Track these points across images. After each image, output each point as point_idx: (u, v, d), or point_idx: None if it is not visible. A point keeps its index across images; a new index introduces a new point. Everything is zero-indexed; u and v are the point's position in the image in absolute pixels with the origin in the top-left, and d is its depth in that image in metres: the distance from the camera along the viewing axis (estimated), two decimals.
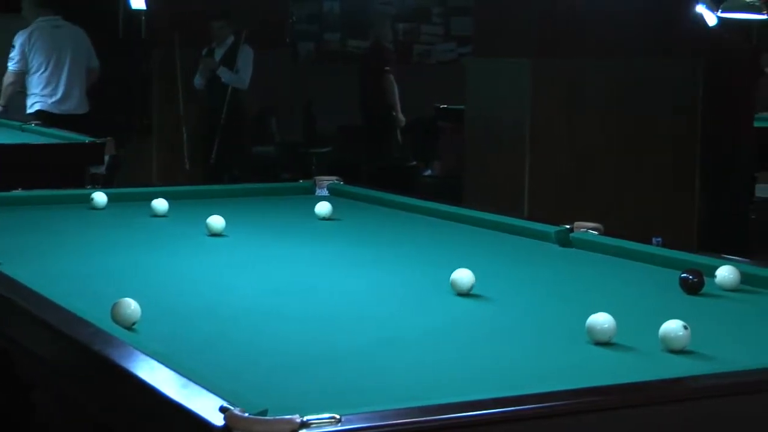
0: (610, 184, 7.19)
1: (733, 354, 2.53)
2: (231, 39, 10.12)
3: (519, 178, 7.14)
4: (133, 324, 2.68)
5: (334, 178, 5.08)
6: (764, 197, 10.12)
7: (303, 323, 2.87)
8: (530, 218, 4.37)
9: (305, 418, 1.94)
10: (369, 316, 2.97)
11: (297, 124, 13.14)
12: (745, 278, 3.20)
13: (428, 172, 11.19)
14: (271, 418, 1.97)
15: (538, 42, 7.18)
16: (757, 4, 9.94)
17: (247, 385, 2.24)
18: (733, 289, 3.18)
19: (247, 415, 1.97)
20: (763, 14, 10.60)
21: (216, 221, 4.03)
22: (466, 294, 3.12)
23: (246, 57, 10.03)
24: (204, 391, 2.11)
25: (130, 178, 9.68)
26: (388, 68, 11.48)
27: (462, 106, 8.19)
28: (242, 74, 10.00)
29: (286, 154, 11.67)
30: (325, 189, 4.98)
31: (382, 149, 11.52)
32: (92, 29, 9.58)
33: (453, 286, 3.13)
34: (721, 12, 9.14)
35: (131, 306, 2.70)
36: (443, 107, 12.32)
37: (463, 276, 3.14)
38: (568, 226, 3.87)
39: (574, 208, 6.49)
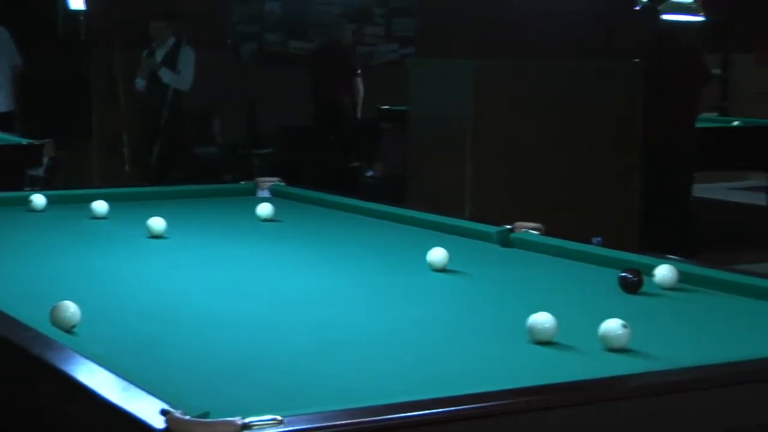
0: (552, 184, 7.23)
1: (672, 352, 2.56)
2: (172, 40, 10.06)
3: (461, 178, 7.17)
4: (73, 327, 2.66)
5: (275, 179, 5.07)
6: (702, 197, 10.24)
7: (244, 325, 2.86)
8: (471, 219, 4.38)
9: (247, 420, 1.94)
10: (311, 317, 2.96)
11: (239, 125, 13.10)
12: (683, 277, 3.23)
13: (370, 173, 11.19)
14: (213, 420, 1.97)
15: (480, 43, 7.21)
16: (694, 6, 10.05)
17: (189, 388, 2.23)
18: (672, 288, 3.21)
19: (188, 417, 1.96)
20: (701, 16, 10.72)
21: (156, 223, 4.01)
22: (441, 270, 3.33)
23: (187, 58, 9.98)
24: (144, 394, 2.09)
25: (70, 179, 9.60)
26: (359, 71, 11.62)
27: (405, 107, 8.21)
28: (183, 75, 9.95)
29: (228, 155, 11.63)
30: (267, 190, 4.97)
31: (335, 150, 11.53)
32: (31, 30, 9.50)
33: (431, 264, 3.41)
34: (660, 14, 9.25)
35: (70, 309, 2.68)
36: (386, 108, 12.33)
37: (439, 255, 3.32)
38: (509, 227, 3.89)
39: (515, 208, 6.52)
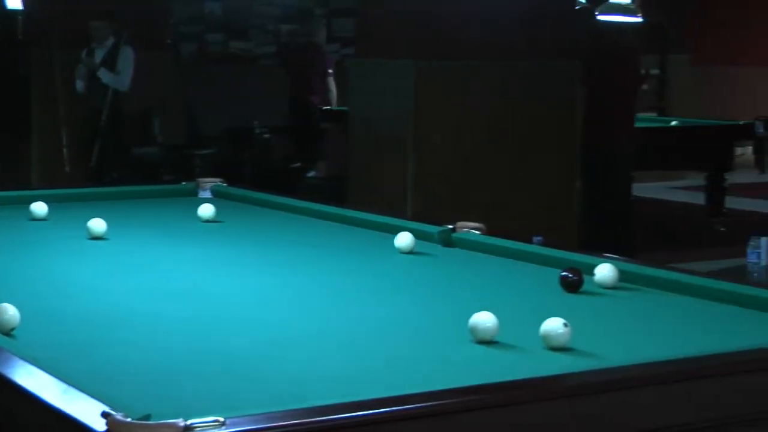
0: (493, 184, 7.26)
1: (612, 350, 2.58)
2: (111, 40, 9.98)
3: (402, 178, 7.18)
4: (12, 330, 2.64)
5: (217, 179, 5.05)
6: (641, 196, 10.33)
7: (186, 326, 2.85)
8: (414, 218, 4.39)
9: (189, 422, 1.93)
10: (253, 318, 2.95)
11: (179, 125, 13.02)
12: (623, 276, 3.26)
13: (312, 174, 11.18)
14: (155, 422, 1.96)
15: (420, 43, 7.22)
16: (632, 6, 10.14)
17: (130, 390, 2.22)
18: (612, 287, 3.24)
19: (129, 420, 1.95)
20: (639, 17, 10.82)
21: (97, 224, 3.98)
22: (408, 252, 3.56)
23: (126, 58, 9.91)
24: (85, 397, 2.08)
25: (8, 180, 9.49)
26: (330, 71, 11.70)
27: (346, 107, 8.20)
28: (122, 75, 9.88)
29: (169, 155, 11.55)
30: (209, 191, 4.95)
31: (307, 148, 11.57)
32: None
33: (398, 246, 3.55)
34: (598, 14, 9.33)
35: (9, 311, 2.66)
36: (327, 108, 12.33)
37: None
38: (451, 226, 3.91)
39: (456, 208, 6.54)
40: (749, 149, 15.79)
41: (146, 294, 3.22)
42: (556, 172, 7.48)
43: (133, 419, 1.95)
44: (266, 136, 12.86)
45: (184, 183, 5.13)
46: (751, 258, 6.54)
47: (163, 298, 3.17)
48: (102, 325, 2.84)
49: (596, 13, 9.24)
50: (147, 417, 1.98)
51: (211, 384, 2.33)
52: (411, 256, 3.78)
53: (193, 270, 3.59)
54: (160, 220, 4.52)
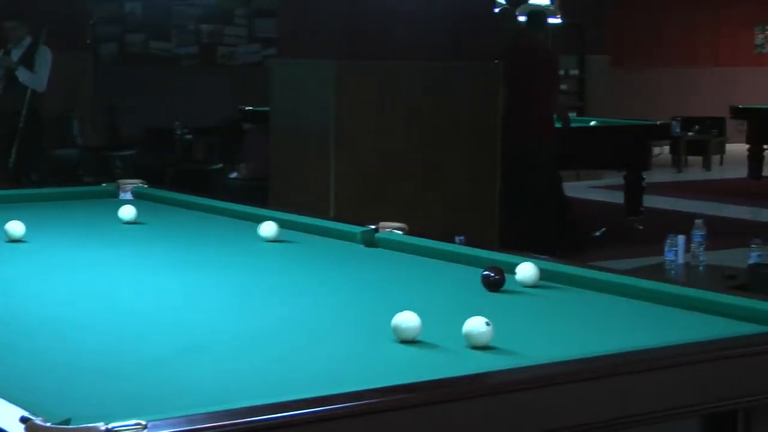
0: (415, 185, 7.29)
1: (534, 348, 2.60)
2: (28, 40, 9.86)
3: (325, 179, 7.18)
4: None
5: (138, 181, 5.01)
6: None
7: (107, 329, 2.81)
8: (336, 219, 4.39)
9: (110, 426, 1.91)
10: (175, 319, 2.93)
11: (99, 126, 12.91)
12: (544, 275, 3.29)
13: (234, 175, 11.13)
14: (75, 427, 1.94)
15: (342, 44, 7.23)
16: (551, 8, 10.23)
17: (49, 394, 2.19)
18: (533, 285, 3.26)
19: (49, 424, 1.93)
20: (558, 18, 10.92)
21: (14, 227, 3.92)
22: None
23: (43, 58, 9.79)
24: (3, 401, 2.05)
25: None
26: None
27: (267, 108, 8.18)
28: (40, 75, 9.76)
29: (89, 157, 11.45)
30: (129, 192, 4.91)
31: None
32: None
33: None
34: (518, 15, 9.41)
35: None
36: (249, 109, 12.28)
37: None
38: (373, 227, 3.91)
39: (379, 208, 6.56)
40: (666, 149, 16.08)
41: (66, 297, 3.18)
42: (478, 172, 7.53)
43: (52, 424, 1.93)
44: (188, 137, 12.80)
45: (104, 185, 5.08)
46: (669, 256, 6.63)
47: (82, 300, 3.14)
48: (20, 329, 2.80)
49: (517, 14, 9.33)
50: (67, 421, 1.96)
51: (133, 387, 2.31)
52: (333, 256, 3.78)
53: (114, 272, 3.55)
54: (81, 222, 4.47)
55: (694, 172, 15.89)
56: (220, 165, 10.80)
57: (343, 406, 2.07)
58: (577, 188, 12.43)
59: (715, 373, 2.46)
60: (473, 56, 7.52)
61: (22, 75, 9.71)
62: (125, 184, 4.97)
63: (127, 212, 4.33)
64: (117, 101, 13.32)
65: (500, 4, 10.18)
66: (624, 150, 10.43)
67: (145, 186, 4.97)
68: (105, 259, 3.75)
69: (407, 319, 2.63)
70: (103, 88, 13.15)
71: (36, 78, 9.75)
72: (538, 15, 8.75)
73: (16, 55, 9.83)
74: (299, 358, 2.57)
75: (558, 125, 8.96)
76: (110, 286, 3.35)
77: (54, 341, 2.69)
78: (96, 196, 4.96)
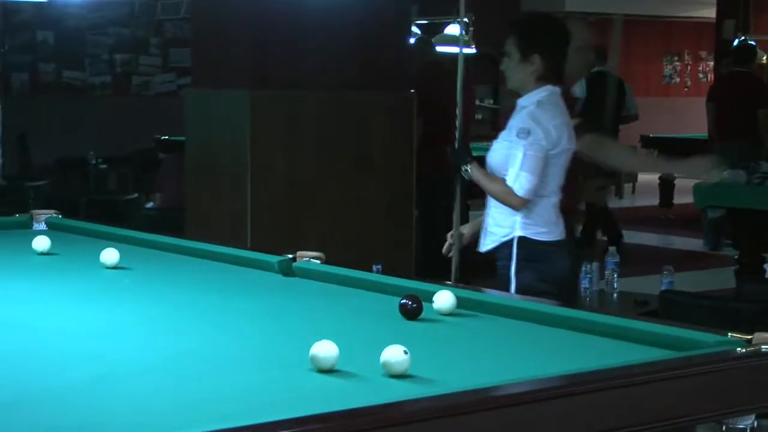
0: (330, 214, 7.29)
1: (450, 376, 2.62)
2: None
3: (241, 209, 7.15)
4: None
5: (52, 211, 4.96)
6: None
7: (16, 360, 2.78)
8: (253, 249, 4.39)
9: None
10: (86, 352, 2.90)
11: (11, 156, 12.74)
12: (461, 302, 3.32)
13: (150, 204, 11.05)
14: None
15: (255, 73, 7.22)
16: (466, 38, 10.33)
17: None
18: (450, 313, 3.29)
19: None
20: (472, 48, 11.01)
21: None
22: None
23: None
24: None
25: None
26: None
27: (183, 137, 8.14)
28: None
29: (0, 187, 11.28)
30: (43, 223, 4.86)
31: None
32: None
33: None
34: (434, 45, 9.50)
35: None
36: (164, 138, 12.22)
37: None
38: (290, 256, 3.91)
39: (296, 237, 6.55)
40: None
41: None
42: (394, 201, 7.56)
43: None
44: (102, 166, 12.68)
45: (18, 215, 5.01)
46: (583, 283, 6.71)
47: None
48: None
49: (433, 44, 9.41)
50: None
51: (40, 419, 2.28)
52: (250, 286, 3.78)
53: (27, 303, 3.51)
54: None
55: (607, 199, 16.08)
56: (135, 195, 10.71)
57: None
58: None
59: (630, 399, 2.50)
60: (387, 86, 7.54)
61: None
62: (39, 214, 4.91)
63: (41, 243, 4.28)
64: (29, 131, 13.16)
65: (416, 35, 10.26)
66: None
67: (59, 216, 4.92)
68: (18, 291, 3.70)
69: (325, 349, 2.63)
70: (14, 118, 12.99)
71: None
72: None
73: None
74: (213, 387, 2.55)
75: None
76: (21, 317, 3.30)
77: None
78: (9, 227, 4.89)
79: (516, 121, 4.66)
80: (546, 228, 4.63)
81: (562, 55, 4.72)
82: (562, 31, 4.80)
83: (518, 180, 4.54)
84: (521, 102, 4.72)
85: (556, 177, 4.65)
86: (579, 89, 11.69)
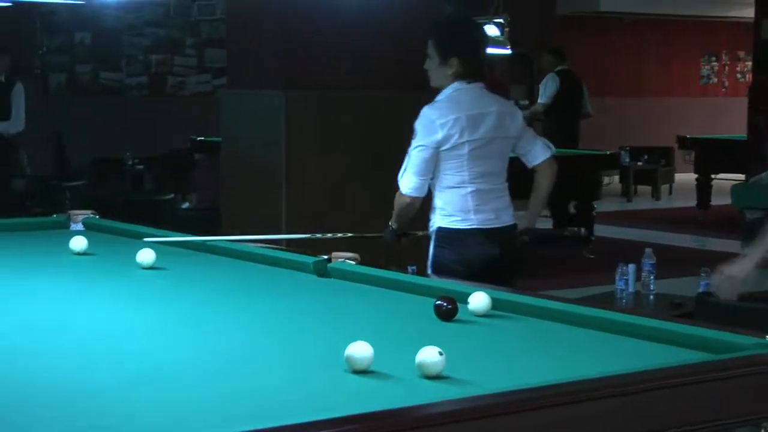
0: (364, 214, 7.29)
1: (486, 377, 2.61)
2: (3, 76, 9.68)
3: (276, 208, 7.17)
4: None
5: (88, 212, 4.98)
6: None
7: (55, 360, 2.79)
8: (288, 249, 4.40)
9: None
10: (122, 351, 2.91)
11: (48, 156, 12.82)
12: (496, 304, 3.31)
13: (186, 205, 11.11)
14: None
15: (290, 74, 7.23)
16: (501, 39, 10.31)
17: None
18: (485, 315, 3.28)
19: None
20: (508, 48, 11.00)
21: None
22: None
23: (19, 97, 9.60)
24: None
25: None
26: None
27: (218, 138, 8.17)
28: (18, 117, 9.56)
29: (37, 187, 11.35)
30: (80, 223, 4.89)
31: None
32: None
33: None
34: None
35: None
36: (200, 139, 12.26)
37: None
38: (326, 257, 3.92)
39: (331, 239, 6.55)
40: (616, 178, 16.23)
41: (13, 327, 3.16)
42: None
43: None
44: (138, 167, 12.75)
45: (55, 215, 5.05)
46: (620, 285, 6.68)
47: (30, 331, 3.11)
48: None
49: None
50: None
51: (80, 419, 2.30)
52: (286, 287, 3.78)
53: (64, 303, 3.53)
54: (31, 253, 4.44)
55: (644, 201, 16.03)
56: (171, 195, 10.76)
57: None
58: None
59: (665, 401, 2.48)
60: (420, 86, 7.55)
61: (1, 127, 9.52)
62: (76, 215, 4.94)
63: (78, 243, 4.31)
64: (66, 131, 13.25)
65: None
66: (574, 180, 10.50)
67: (96, 217, 4.94)
68: (55, 291, 3.73)
69: (360, 349, 2.63)
70: (52, 118, 13.08)
71: (14, 123, 9.59)
72: None
73: None
74: (248, 387, 2.56)
75: None
76: (59, 317, 3.33)
77: (2, 373, 2.66)
78: (47, 227, 4.93)
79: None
80: (460, 216, 4.82)
81: (481, 55, 4.94)
82: (479, 32, 5.08)
83: (403, 179, 4.86)
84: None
85: (464, 168, 4.81)
86: (551, 83, 11.79)
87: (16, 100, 9.62)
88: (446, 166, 4.79)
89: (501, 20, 10.63)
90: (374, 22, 7.40)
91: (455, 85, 4.83)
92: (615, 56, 19.36)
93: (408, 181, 4.81)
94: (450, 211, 4.83)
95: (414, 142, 4.79)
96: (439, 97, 4.86)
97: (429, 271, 4.78)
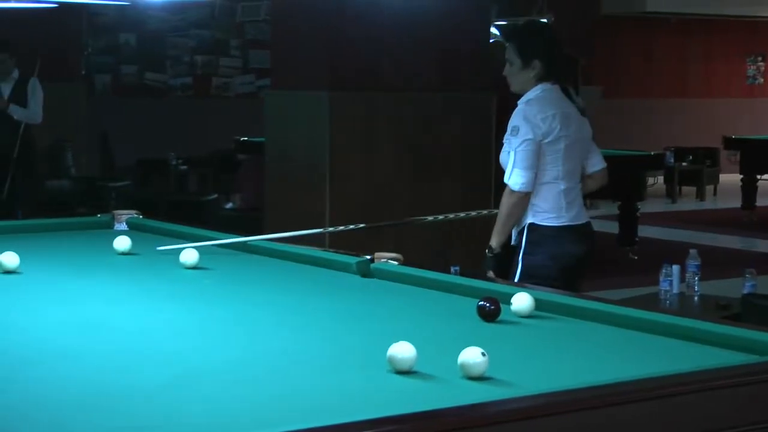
0: (409, 215, 7.28)
1: (529, 378, 2.60)
2: (16, 72, 9.83)
3: (320, 209, 7.18)
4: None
5: (132, 212, 5.01)
6: None
7: (100, 360, 2.81)
8: (331, 250, 4.40)
9: None
10: (167, 351, 2.93)
11: (93, 157, 12.91)
12: (539, 305, 3.30)
13: (230, 205, 11.14)
14: None
15: (335, 74, 7.24)
16: None
17: (41, 427, 2.19)
18: (528, 316, 3.27)
19: None
20: None
21: (8, 259, 3.91)
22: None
23: (36, 90, 9.77)
24: None
25: None
26: None
27: (262, 139, 8.20)
28: (34, 109, 9.74)
29: (82, 187, 11.44)
30: (124, 223, 4.91)
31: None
32: None
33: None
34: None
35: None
36: (244, 140, 12.30)
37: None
38: (369, 257, 3.92)
39: (373, 238, 6.56)
40: (660, 179, 16.13)
41: (59, 328, 3.18)
42: (471, 202, 7.53)
43: None
44: (182, 167, 12.81)
45: (99, 215, 5.08)
46: (664, 286, 6.63)
47: (76, 332, 3.13)
48: (15, 362, 2.80)
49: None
50: None
51: (123, 419, 2.31)
52: (329, 287, 3.79)
53: (109, 303, 3.55)
54: (76, 253, 4.47)
55: (688, 202, 15.92)
56: (215, 196, 10.81)
57: None
58: None
59: (708, 404, 2.46)
60: (466, 88, 7.54)
61: (17, 113, 9.68)
62: (120, 214, 4.97)
63: (122, 243, 4.33)
64: (111, 132, 13.34)
65: (494, 36, 10.22)
66: (618, 180, 10.43)
67: (140, 217, 4.97)
68: (100, 291, 3.75)
69: (403, 350, 2.63)
70: (97, 119, 13.17)
71: (30, 113, 9.74)
72: None
73: (5, 89, 9.78)
74: (291, 387, 2.56)
75: None
76: (104, 317, 3.34)
77: (49, 374, 2.68)
78: (91, 227, 4.96)
79: (510, 121, 4.91)
80: (553, 213, 4.84)
81: (558, 56, 5.00)
82: (552, 34, 5.15)
83: (512, 177, 4.80)
84: (519, 103, 4.94)
85: (558, 164, 4.83)
86: None
87: (32, 94, 9.72)
88: (544, 160, 4.83)
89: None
90: (418, 24, 7.40)
91: (541, 86, 4.88)
92: (660, 57, 19.24)
93: (518, 177, 4.80)
94: (545, 208, 4.85)
95: (517, 139, 4.80)
96: (528, 97, 4.88)
97: (515, 279, 4.77)
